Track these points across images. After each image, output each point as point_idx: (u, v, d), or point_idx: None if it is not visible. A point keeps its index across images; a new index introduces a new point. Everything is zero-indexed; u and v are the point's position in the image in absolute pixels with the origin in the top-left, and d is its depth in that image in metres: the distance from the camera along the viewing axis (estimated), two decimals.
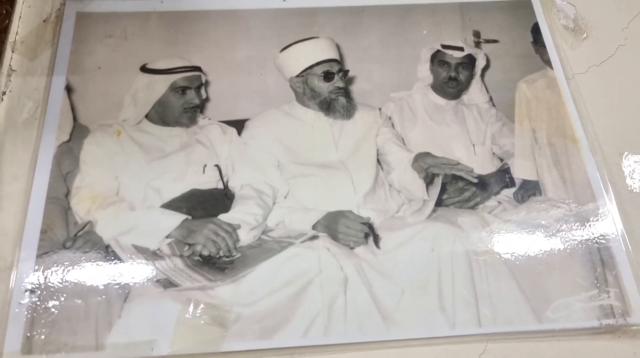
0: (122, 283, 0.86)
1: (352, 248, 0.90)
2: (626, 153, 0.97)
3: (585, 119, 0.99)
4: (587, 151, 0.97)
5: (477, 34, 1.10)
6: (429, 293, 0.86)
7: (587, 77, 1.04)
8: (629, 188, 0.95)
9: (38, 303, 0.83)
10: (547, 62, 1.05)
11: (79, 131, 0.99)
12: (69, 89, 1.01)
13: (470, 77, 1.07)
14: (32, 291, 0.84)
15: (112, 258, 0.88)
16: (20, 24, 1.07)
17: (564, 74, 1.04)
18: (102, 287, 0.85)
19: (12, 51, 1.04)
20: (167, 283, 0.87)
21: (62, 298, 0.83)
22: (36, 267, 0.85)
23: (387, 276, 0.87)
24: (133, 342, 0.81)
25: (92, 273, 0.87)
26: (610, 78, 1.04)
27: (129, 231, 0.90)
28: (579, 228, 0.91)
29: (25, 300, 0.83)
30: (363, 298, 0.85)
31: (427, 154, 0.99)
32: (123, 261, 0.88)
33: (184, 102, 1.01)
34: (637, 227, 0.90)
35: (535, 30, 1.09)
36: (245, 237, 0.91)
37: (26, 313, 0.82)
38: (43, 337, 0.80)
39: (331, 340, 0.83)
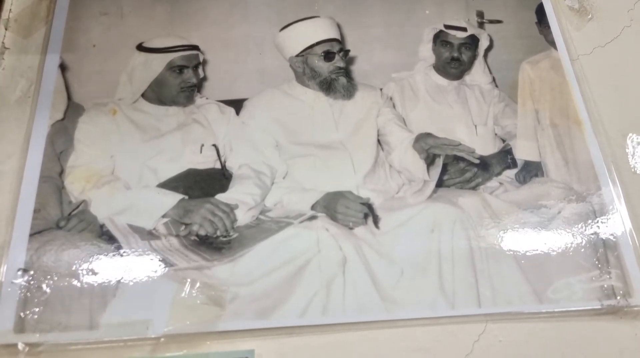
0: (117, 263, 0.85)
1: (351, 229, 0.89)
2: (630, 134, 0.96)
3: (589, 100, 0.98)
4: (591, 133, 0.95)
5: (480, 14, 1.08)
6: (428, 274, 0.85)
7: (592, 58, 1.03)
8: (632, 170, 0.93)
9: (31, 282, 0.81)
10: (552, 43, 1.04)
11: (73, 110, 0.97)
12: (63, 67, 0.99)
13: (473, 57, 1.06)
14: (24, 270, 0.82)
15: (107, 237, 0.87)
16: (14, 1, 1.05)
17: (568, 55, 1.02)
18: (96, 266, 0.84)
19: (6, 29, 1.02)
20: (163, 263, 0.86)
21: (56, 278, 0.82)
22: (29, 246, 0.84)
23: (387, 256, 0.86)
24: (128, 322, 0.80)
25: (86, 252, 0.86)
26: (615, 59, 1.03)
27: (124, 211, 0.89)
28: (581, 209, 0.90)
29: (18, 280, 0.81)
30: (362, 278, 0.84)
31: (429, 134, 0.97)
32: (118, 241, 0.87)
33: (181, 82, 1.00)
34: (639, 207, 0.89)
35: (540, 11, 1.07)
36: (243, 217, 0.90)
37: (19, 292, 0.80)
38: (36, 316, 0.79)
39: (329, 320, 0.82)
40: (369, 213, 0.90)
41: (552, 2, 1.08)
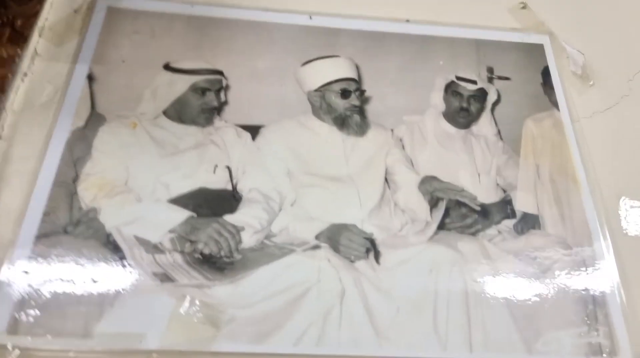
0: (119, 273, 0.86)
1: (352, 261, 0.91)
2: (624, 197, 1.00)
3: (586, 161, 1.03)
4: (587, 192, 1.00)
5: (490, 70, 1.14)
6: (423, 314, 0.86)
7: (592, 122, 1.08)
8: (624, 231, 0.97)
9: (31, 284, 0.82)
10: (555, 104, 1.10)
11: (95, 119, 1.00)
12: (90, 78, 1.03)
13: (481, 109, 1.11)
14: (26, 272, 0.83)
15: (112, 247, 0.88)
16: (51, 11, 1.10)
17: (569, 116, 1.08)
18: (97, 275, 0.85)
19: (40, 36, 1.06)
20: (164, 278, 0.86)
21: (56, 282, 0.82)
22: (34, 248, 0.85)
23: (384, 292, 0.88)
24: (122, 333, 0.80)
25: (90, 259, 0.86)
26: (613, 125, 1.09)
27: (133, 222, 0.90)
28: (574, 265, 0.93)
29: (19, 280, 0.82)
30: (358, 312, 0.85)
31: (434, 178, 1.01)
32: (122, 251, 0.88)
33: (203, 103, 1.03)
34: (630, 268, 0.92)
35: (546, 73, 1.14)
36: (248, 240, 0.91)
37: (18, 293, 0.80)
38: (31, 319, 0.79)
39: (323, 351, 0.82)
40: (371, 248, 0.92)
41: (557, 66, 1.15)
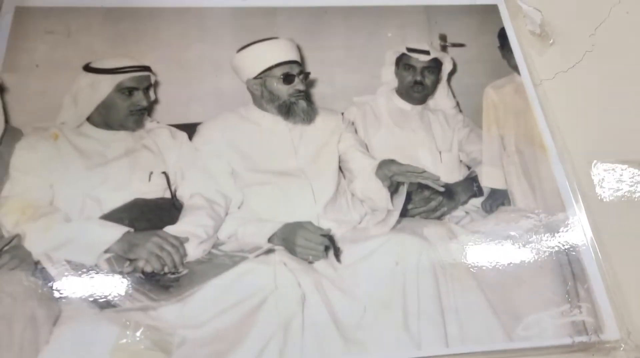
0: (52, 305, 0.77)
1: (311, 263, 0.83)
2: (595, 161, 0.94)
3: (553, 126, 0.97)
4: (556, 159, 0.94)
5: (443, 38, 1.06)
6: (393, 311, 0.79)
7: (555, 83, 1.02)
8: (599, 197, 0.92)
9: None
10: (514, 68, 1.03)
11: (10, 134, 0.90)
12: (2, 89, 0.92)
13: (437, 81, 1.03)
14: None
15: (42, 276, 0.79)
16: None
17: (531, 80, 1.01)
18: (28, 309, 0.76)
19: None
20: (104, 304, 0.78)
21: None
22: None
23: (349, 292, 0.81)
24: None
25: (18, 293, 0.77)
26: (577, 84, 1.03)
27: (63, 246, 0.81)
28: (549, 238, 0.87)
29: None
30: (322, 317, 0.78)
31: (392, 161, 0.93)
32: (54, 280, 0.79)
33: (130, 104, 0.93)
34: (607, 237, 0.86)
35: (502, 35, 1.07)
36: (194, 251, 0.83)
37: None
38: None
39: None
40: (330, 245, 0.85)
41: (514, 27, 1.07)
